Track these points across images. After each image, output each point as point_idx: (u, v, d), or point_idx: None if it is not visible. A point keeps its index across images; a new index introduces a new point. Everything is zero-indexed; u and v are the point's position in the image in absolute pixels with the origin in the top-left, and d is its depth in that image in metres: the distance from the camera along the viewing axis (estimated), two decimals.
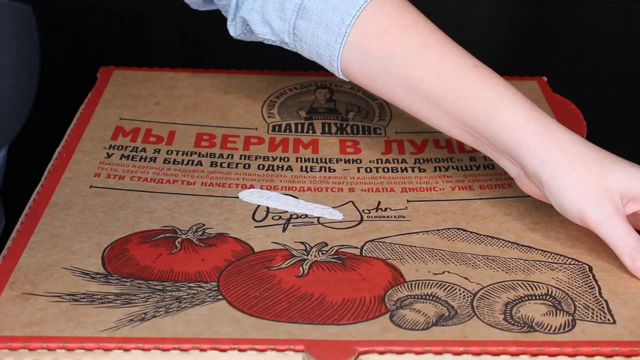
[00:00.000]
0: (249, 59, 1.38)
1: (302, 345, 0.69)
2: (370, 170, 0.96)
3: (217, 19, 1.50)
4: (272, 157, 0.99)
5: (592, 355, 0.69)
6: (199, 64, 1.25)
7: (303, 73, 1.19)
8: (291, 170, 0.96)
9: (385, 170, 0.97)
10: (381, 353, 0.69)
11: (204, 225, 0.85)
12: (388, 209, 0.89)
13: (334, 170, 0.96)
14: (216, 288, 0.76)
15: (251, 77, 1.18)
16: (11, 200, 1.15)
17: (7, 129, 0.87)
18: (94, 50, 1.46)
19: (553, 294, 0.76)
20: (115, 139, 1.01)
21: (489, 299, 0.75)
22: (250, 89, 1.15)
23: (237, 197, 0.90)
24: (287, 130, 1.05)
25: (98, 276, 0.77)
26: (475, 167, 0.97)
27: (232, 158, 0.98)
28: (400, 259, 0.80)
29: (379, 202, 0.90)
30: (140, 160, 0.96)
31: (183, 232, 0.84)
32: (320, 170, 0.96)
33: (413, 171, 0.96)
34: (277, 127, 1.05)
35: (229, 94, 1.13)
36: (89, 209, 0.87)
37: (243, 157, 0.98)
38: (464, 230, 0.85)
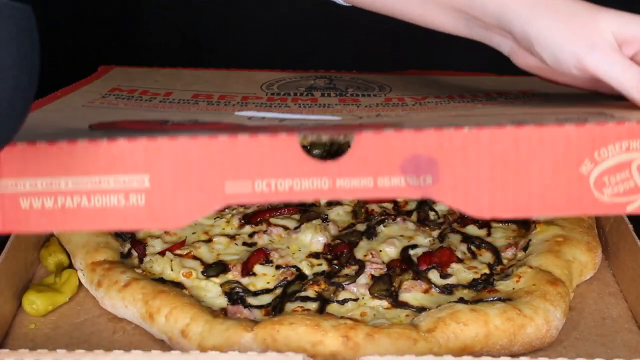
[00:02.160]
0: (249, 57, 1.38)
1: None
2: (371, 107, 0.96)
3: (218, 17, 1.51)
4: (270, 104, 0.99)
5: None
6: (198, 64, 1.25)
7: (303, 71, 1.20)
8: (289, 107, 0.96)
9: (386, 106, 0.97)
10: None
11: (197, 119, 0.84)
12: (387, 116, 0.88)
13: (334, 107, 0.97)
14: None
15: (251, 73, 1.19)
16: None
17: (7, 129, 0.87)
18: (93, 50, 1.46)
19: None
20: (111, 92, 1.01)
21: None
22: (250, 78, 1.15)
23: (233, 114, 0.90)
24: (286, 95, 1.05)
25: (83, 131, 0.75)
26: (478, 101, 0.97)
27: (229, 103, 0.98)
28: (401, 117, 0.80)
29: (379, 113, 0.89)
30: (135, 100, 0.96)
31: (175, 121, 0.84)
32: (320, 107, 0.96)
33: (414, 106, 0.96)
34: (275, 94, 1.06)
35: (227, 80, 1.14)
36: (81, 115, 0.86)
37: (240, 103, 0.98)
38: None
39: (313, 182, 0.65)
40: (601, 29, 0.77)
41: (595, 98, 0.81)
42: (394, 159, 0.64)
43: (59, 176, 0.65)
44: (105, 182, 0.65)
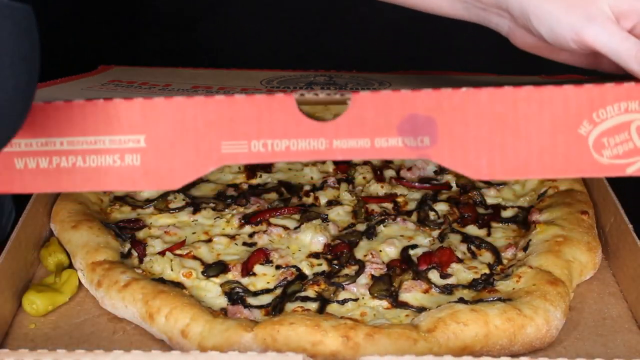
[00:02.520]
0: (249, 57, 1.38)
1: None
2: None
3: (217, 18, 1.50)
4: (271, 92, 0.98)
5: None
6: (198, 64, 1.25)
7: (303, 70, 1.20)
8: (290, 90, 0.95)
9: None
10: None
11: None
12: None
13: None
14: None
15: (250, 72, 1.19)
16: (17, 196, 1.15)
17: (7, 129, 0.87)
18: (93, 50, 1.46)
19: None
20: (111, 82, 1.00)
21: None
22: (249, 76, 1.15)
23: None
24: (286, 88, 1.05)
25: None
26: None
27: (228, 92, 0.96)
28: None
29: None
30: (135, 88, 0.95)
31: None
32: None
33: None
34: (275, 87, 1.06)
35: (227, 77, 1.14)
36: (79, 94, 0.85)
37: (240, 92, 0.97)
38: None
39: (309, 142, 0.65)
40: (598, 1, 0.76)
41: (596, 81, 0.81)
42: (391, 119, 0.64)
43: (54, 136, 0.64)
44: (101, 142, 0.65)
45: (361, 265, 0.98)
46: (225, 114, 0.64)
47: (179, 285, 0.95)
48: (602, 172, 0.65)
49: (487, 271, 0.98)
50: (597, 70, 0.86)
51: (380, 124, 0.64)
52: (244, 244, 1.03)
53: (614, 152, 0.65)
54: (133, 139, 0.65)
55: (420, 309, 0.92)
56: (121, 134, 0.65)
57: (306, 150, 0.65)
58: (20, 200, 1.04)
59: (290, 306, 0.93)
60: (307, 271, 0.98)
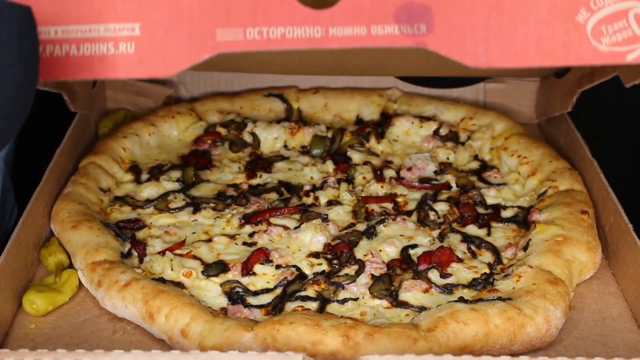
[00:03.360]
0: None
1: None
2: None
3: None
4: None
5: None
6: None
7: None
8: None
9: None
10: None
11: None
12: None
13: None
14: None
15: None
16: (19, 195, 1.15)
17: (7, 129, 0.88)
18: None
19: None
20: None
21: None
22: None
23: None
24: None
25: None
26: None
27: None
28: None
29: None
30: None
31: None
32: None
33: None
34: None
35: None
36: None
37: None
38: None
39: (305, 30, 0.64)
40: None
41: None
42: (387, 6, 0.63)
43: (49, 25, 0.64)
44: (95, 30, 0.64)
45: (361, 265, 0.99)
46: (220, 2, 0.64)
47: (179, 285, 0.95)
48: (602, 59, 0.65)
49: (487, 271, 0.98)
50: None
51: (376, 12, 0.64)
52: (244, 243, 1.03)
53: (612, 39, 0.65)
54: (128, 27, 0.65)
55: (420, 309, 0.92)
56: (116, 22, 0.64)
57: (302, 38, 0.64)
58: (22, 199, 1.04)
59: (290, 306, 0.93)
60: (307, 271, 0.99)
